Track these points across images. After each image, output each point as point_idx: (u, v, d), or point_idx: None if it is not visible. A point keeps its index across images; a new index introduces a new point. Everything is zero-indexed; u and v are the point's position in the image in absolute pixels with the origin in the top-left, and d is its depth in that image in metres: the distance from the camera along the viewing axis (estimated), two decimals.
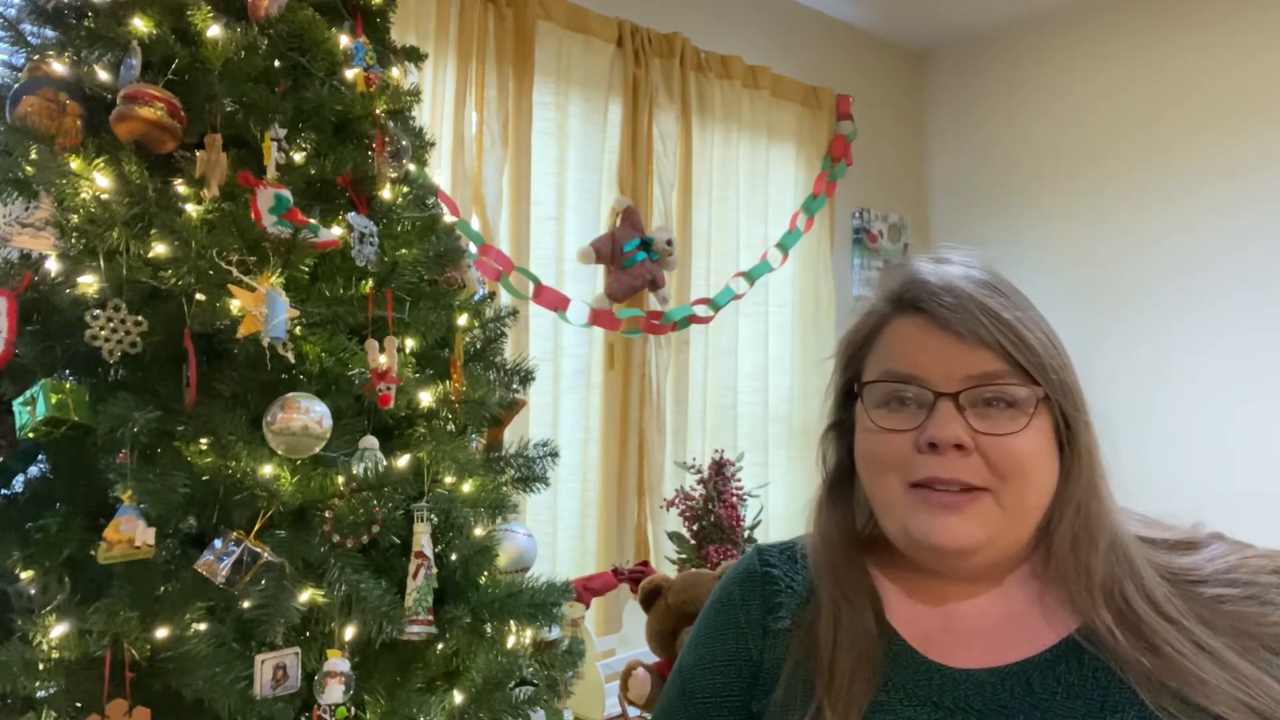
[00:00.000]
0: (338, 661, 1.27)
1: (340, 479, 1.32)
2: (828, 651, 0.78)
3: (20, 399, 1.22)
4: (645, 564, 2.51)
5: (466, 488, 1.49)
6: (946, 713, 0.74)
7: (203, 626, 1.22)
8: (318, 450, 1.29)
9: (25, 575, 1.20)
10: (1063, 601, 0.77)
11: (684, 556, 2.61)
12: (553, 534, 2.75)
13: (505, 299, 2.59)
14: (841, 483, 0.86)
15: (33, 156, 1.27)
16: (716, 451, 2.74)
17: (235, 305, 1.26)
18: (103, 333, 1.24)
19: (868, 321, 0.82)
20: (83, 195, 1.25)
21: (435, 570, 1.36)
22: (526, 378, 1.78)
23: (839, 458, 0.86)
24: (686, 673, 0.89)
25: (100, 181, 1.26)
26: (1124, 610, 0.73)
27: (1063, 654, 0.74)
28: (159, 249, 1.27)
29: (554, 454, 1.71)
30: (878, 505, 0.79)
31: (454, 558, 1.47)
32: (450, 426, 1.53)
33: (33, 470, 1.35)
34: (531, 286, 2.66)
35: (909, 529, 0.76)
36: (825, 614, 0.80)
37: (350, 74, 1.50)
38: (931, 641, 0.78)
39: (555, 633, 1.64)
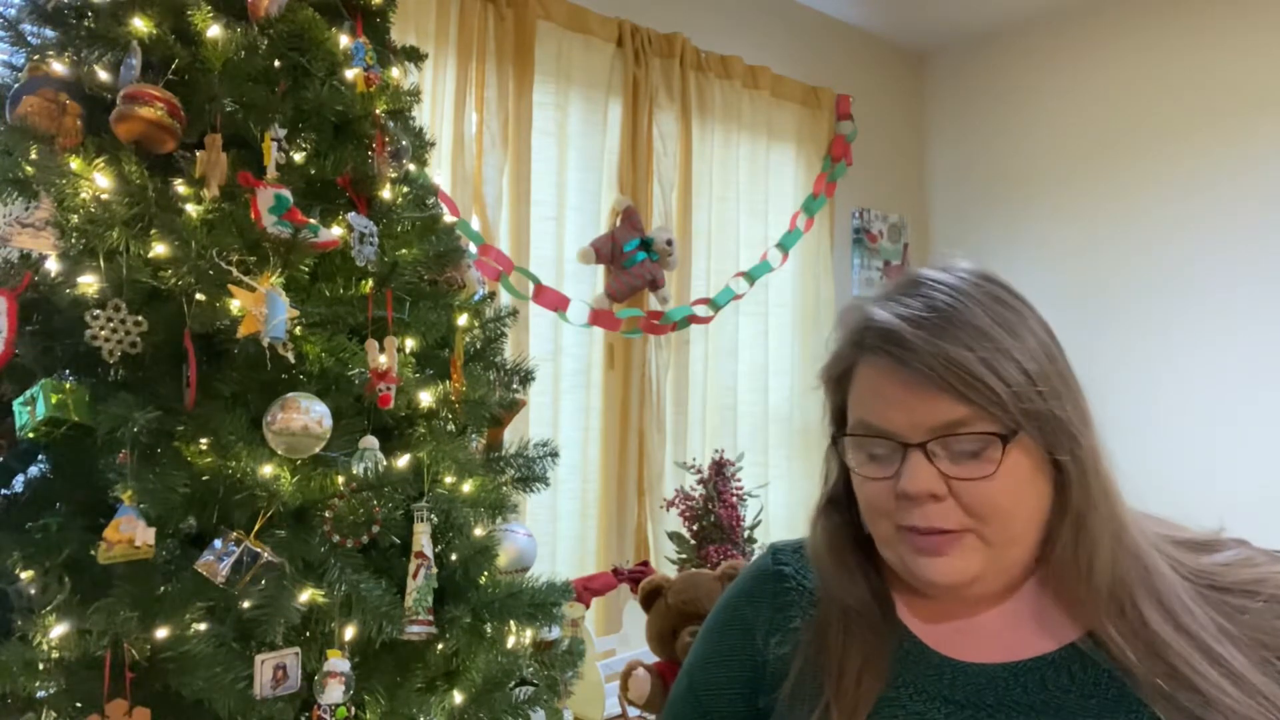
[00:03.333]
0: (338, 661, 1.27)
1: (340, 479, 1.32)
2: (836, 652, 0.78)
3: (20, 399, 1.22)
4: (645, 564, 2.51)
5: (466, 488, 1.49)
6: (957, 707, 0.74)
7: (203, 626, 1.22)
8: (318, 450, 1.29)
9: (25, 575, 1.20)
10: (1071, 613, 0.76)
11: (684, 556, 2.61)
12: (553, 534, 2.75)
13: (505, 299, 2.59)
14: (838, 495, 0.86)
15: (33, 156, 1.27)
16: (716, 451, 2.74)
17: (235, 305, 1.26)
18: (103, 333, 1.24)
19: (837, 365, 0.80)
20: (83, 195, 1.25)
21: (435, 570, 1.36)
22: (526, 378, 1.78)
23: (839, 473, 0.86)
24: (694, 667, 0.90)
25: (100, 181, 1.26)
26: (1135, 623, 0.72)
27: (1079, 653, 0.74)
28: (159, 249, 1.27)
29: (554, 454, 1.71)
30: (877, 540, 0.79)
31: (454, 558, 1.47)
32: (450, 426, 1.54)
33: (33, 470, 1.35)
34: (531, 286, 2.66)
35: (906, 566, 0.76)
36: (834, 616, 0.81)
37: (350, 74, 1.50)
38: (944, 639, 0.78)
39: (555, 633, 1.64)
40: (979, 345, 0.71)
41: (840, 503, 0.85)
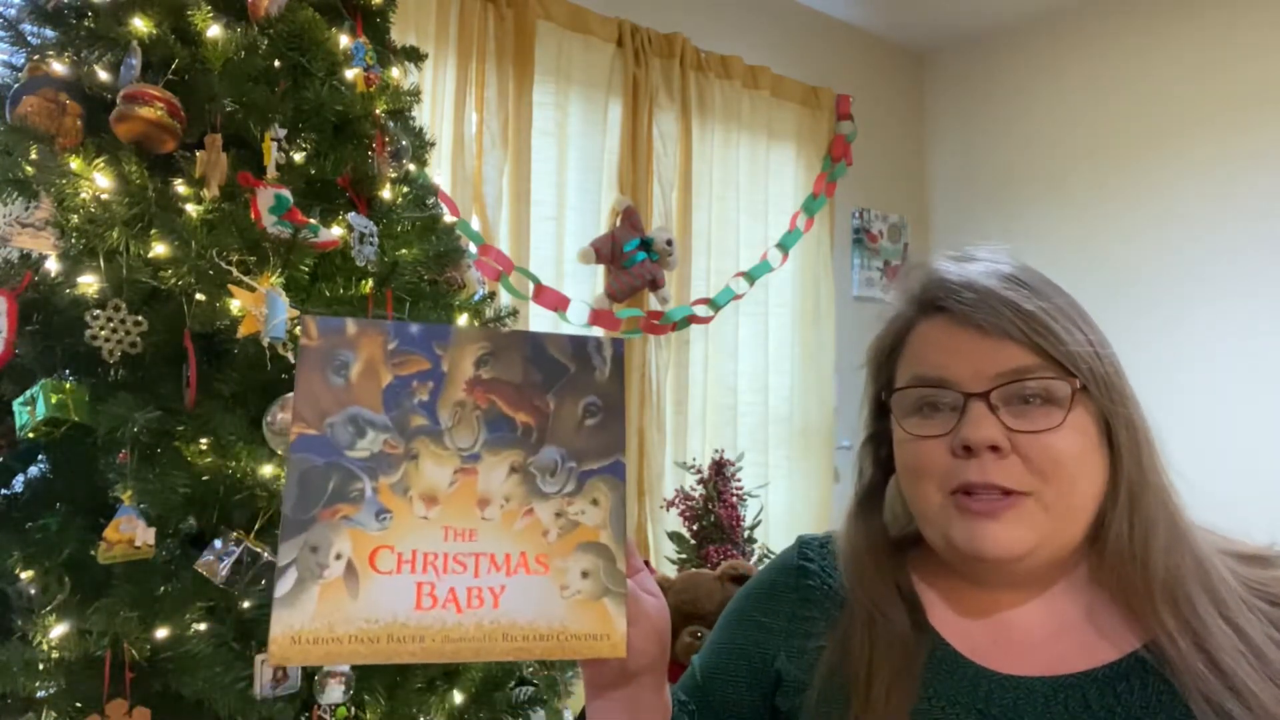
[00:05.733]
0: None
1: None
2: (863, 662, 0.74)
3: (20, 399, 1.22)
4: (645, 564, 2.51)
5: None
6: None
7: (203, 626, 1.22)
8: None
9: (25, 575, 1.20)
10: (1120, 613, 0.72)
11: (684, 556, 2.61)
12: None
13: (505, 299, 2.59)
14: (873, 495, 0.83)
15: (33, 156, 1.27)
16: (716, 451, 2.74)
17: (235, 305, 1.26)
18: (103, 333, 1.24)
19: (892, 327, 0.78)
20: (83, 195, 1.25)
21: None
22: None
23: (873, 470, 0.83)
24: (704, 652, 0.88)
25: (100, 181, 1.26)
26: (1187, 615, 0.68)
27: (1124, 672, 0.70)
28: (159, 249, 1.27)
29: None
30: (918, 515, 0.75)
31: None
32: None
33: (33, 470, 1.35)
34: (531, 286, 2.66)
35: (951, 538, 0.71)
36: (859, 623, 0.77)
37: (350, 74, 1.50)
38: (980, 648, 0.74)
39: None
40: (1046, 301, 0.71)
41: (874, 503, 0.82)
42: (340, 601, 0.56)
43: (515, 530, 0.60)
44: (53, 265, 1.29)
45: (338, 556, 0.57)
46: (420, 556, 0.58)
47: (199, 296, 1.28)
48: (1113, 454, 0.72)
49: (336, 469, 0.58)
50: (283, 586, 0.55)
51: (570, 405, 0.63)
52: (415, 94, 1.65)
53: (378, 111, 1.52)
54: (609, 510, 0.63)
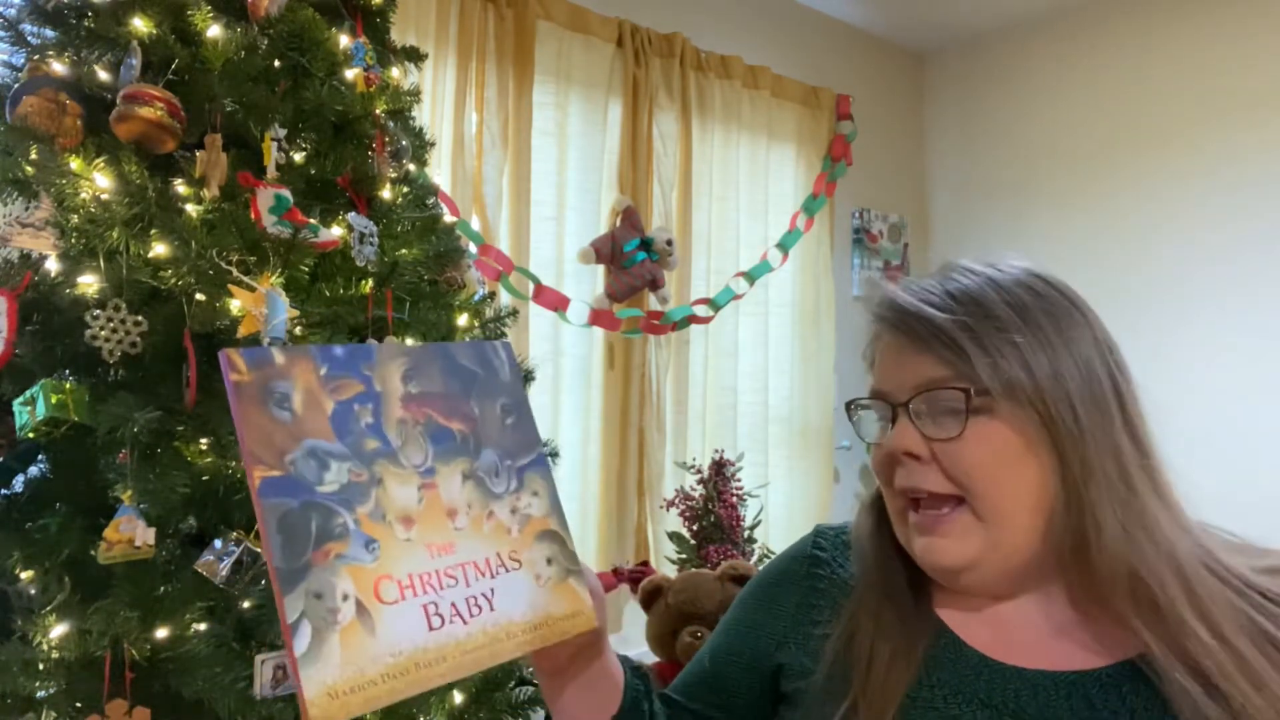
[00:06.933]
0: None
1: None
2: (866, 644, 0.76)
3: (20, 399, 1.22)
4: (645, 564, 2.51)
5: None
6: (994, 712, 0.71)
7: (203, 626, 1.22)
8: None
9: (25, 575, 1.20)
10: (1110, 619, 0.72)
11: (684, 556, 2.61)
12: None
13: (505, 299, 2.59)
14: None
15: (33, 156, 1.27)
16: (716, 451, 2.74)
17: (235, 305, 1.26)
18: (103, 333, 1.24)
19: (868, 345, 0.83)
20: (83, 195, 1.25)
21: None
22: (526, 378, 1.78)
23: None
24: (716, 633, 0.91)
25: (100, 181, 1.26)
26: (1172, 628, 0.68)
27: (1127, 675, 0.70)
28: (159, 249, 1.27)
29: (554, 454, 1.71)
30: (893, 522, 0.79)
31: None
32: None
33: (33, 470, 1.35)
34: (531, 286, 2.66)
35: (910, 546, 0.76)
36: (866, 610, 0.79)
37: (350, 74, 1.50)
38: (984, 639, 0.76)
39: None
40: (972, 317, 0.72)
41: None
42: (362, 643, 0.54)
43: (485, 533, 0.62)
44: (53, 265, 1.28)
45: (344, 597, 0.55)
46: (416, 579, 0.58)
47: (199, 296, 1.28)
48: (1065, 469, 0.71)
49: (314, 508, 0.56)
50: (300, 643, 0.52)
51: (490, 408, 0.66)
52: (415, 94, 1.65)
53: (378, 111, 1.52)
54: (549, 499, 0.66)
